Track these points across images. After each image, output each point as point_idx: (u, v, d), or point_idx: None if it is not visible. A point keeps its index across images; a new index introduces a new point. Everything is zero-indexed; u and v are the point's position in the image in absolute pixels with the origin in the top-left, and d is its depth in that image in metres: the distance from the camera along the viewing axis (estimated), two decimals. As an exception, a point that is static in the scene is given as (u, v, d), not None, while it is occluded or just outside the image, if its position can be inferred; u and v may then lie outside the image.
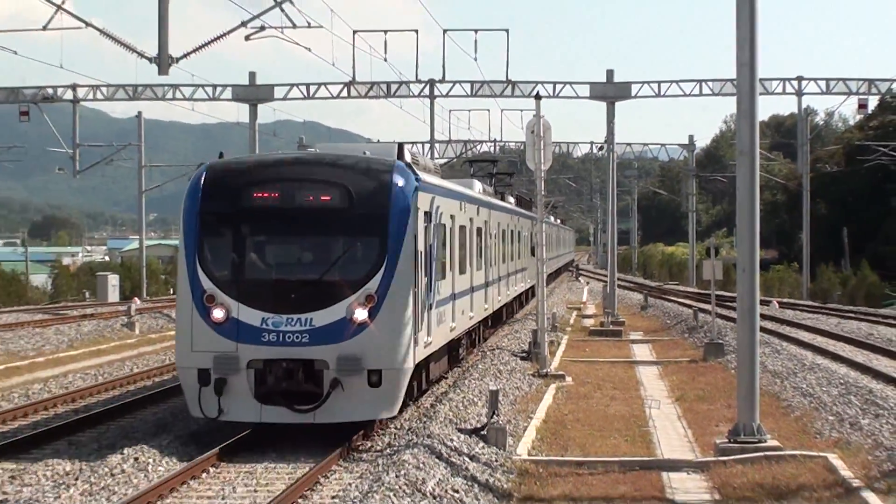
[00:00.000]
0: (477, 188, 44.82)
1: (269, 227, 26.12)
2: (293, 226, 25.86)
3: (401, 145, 27.78)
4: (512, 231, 54.49)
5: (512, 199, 59.60)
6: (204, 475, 22.32)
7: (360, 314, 24.62)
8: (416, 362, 26.33)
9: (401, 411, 26.68)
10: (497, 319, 51.93)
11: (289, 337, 24.63)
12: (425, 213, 27.59)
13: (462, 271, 35.35)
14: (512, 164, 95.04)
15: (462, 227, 35.56)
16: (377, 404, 24.98)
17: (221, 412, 24.79)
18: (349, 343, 24.57)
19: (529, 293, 65.66)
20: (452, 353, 36.10)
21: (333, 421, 24.65)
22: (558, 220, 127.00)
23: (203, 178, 26.06)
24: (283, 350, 24.61)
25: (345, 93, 71.06)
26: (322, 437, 24.82)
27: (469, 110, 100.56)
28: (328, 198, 25.63)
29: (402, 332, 25.14)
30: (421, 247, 26.67)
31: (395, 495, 18.87)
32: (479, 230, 40.58)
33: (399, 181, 25.80)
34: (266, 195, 25.80)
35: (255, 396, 24.73)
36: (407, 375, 25.42)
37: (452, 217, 33.23)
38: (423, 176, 28.06)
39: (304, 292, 24.97)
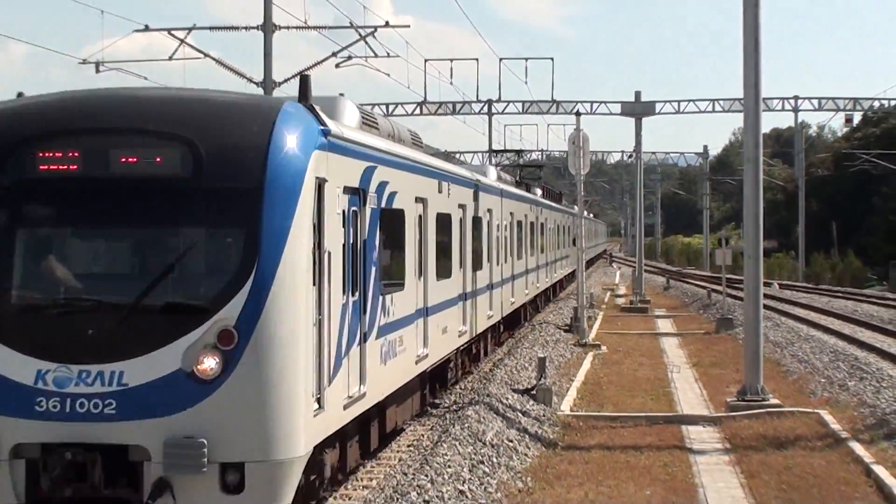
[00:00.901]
0: (492, 175, 33.90)
1: (58, 212, 13.41)
2: (97, 210, 13.22)
3: (304, 77, 14.51)
4: (533, 223, 42.87)
5: (538, 191, 49.73)
6: None
7: (208, 364, 12.34)
8: (324, 438, 14.19)
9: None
10: (514, 322, 39.47)
11: (83, 404, 12.35)
12: (349, 189, 15.35)
13: (444, 274, 23.13)
14: (556, 170, 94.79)
15: (443, 217, 23.04)
16: None
17: None
18: (187, 416, 12.31)
19: (557, 286, 60.67)
20: (435, 380, 24.30)
21: None
22: (591, 215, 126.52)
23: None
24: (73, 428, 12.33)
25: (417, 111, 71.07)
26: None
27: (521, 125, 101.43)
28: (159, 160, 13.02)
29: (284, 391, 12.63)
30: (332, 244, 14.31)
31: (460, 444, 18.85)
32: (476, 220, 27.79)
33: (287, 134, 13.18)
34: (58, 155, 13.11)
35: None
36: (295, 469, 12.94)
37: (422, 201, 20.89)
38: (347, 132, 15.45)
39: (111, 327, 12.52)
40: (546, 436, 21.21)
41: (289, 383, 12.70)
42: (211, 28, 43.92)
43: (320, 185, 13.79)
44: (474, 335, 28.18)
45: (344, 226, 15.12)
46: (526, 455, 19.31)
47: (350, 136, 15.56)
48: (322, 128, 14.01)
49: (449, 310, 23.78)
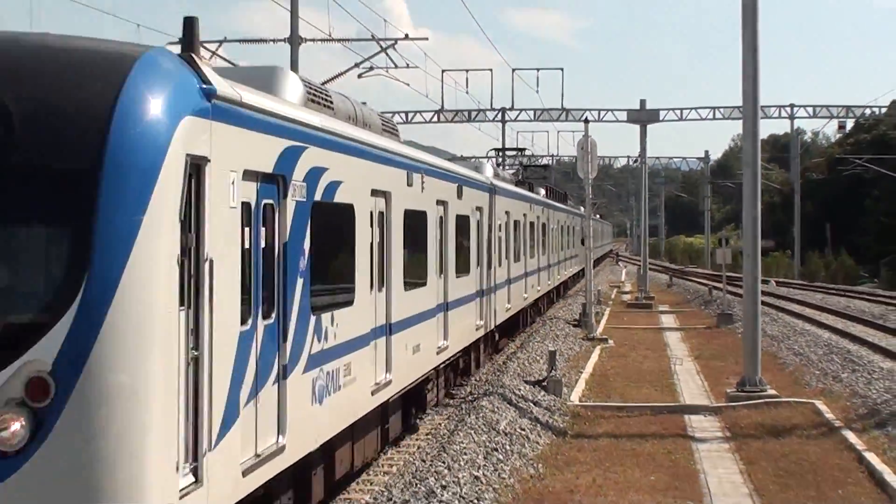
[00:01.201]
0: (488, 171, 30.40)
1: None
2: None
3: (189, 20, 9.93)
4: (533, 223, 38.18)
5: (542, 191, 46.50)
6: None
7: (11, 429, 8.05)
8: None
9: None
10: (512, 327, 35.46)
11: None
12: (257, 175, 10.91)
13: (416, 282, 18.63)
14: (566, 174, 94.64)
15: (414, 214, 18.33)
16: None
17: None
18: None
19: (561, 286, 57.06)
20: (410, 404, 19.67)
21: None
22: (598, 216, 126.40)
23: None
24: None
25: (435, 118, 71.14)
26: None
27: (532, 132, 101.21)
28: None
29: (126, 466, 8.22)
30: (220, 250, 9.80)
31: (475, 433, 18.87)
32: (462, 220, 23.37)
33: (145, 92, 8.77)
34: None
35: None
36: None
37: (383, 195, 16.29)
38: (250, 97, 10.69)
39: None
40: (556, 425, 21.22)
41: (133, 453, 8.29)
42: (241, 41, 44.08)
43: (198, 165, 9.37)
44: (459, 349, 23.65)
45: (247, 224, 10.66)
46: (537, 443, 19.31)
47: (254, 103, 10.74)
48: (204, 86, 9.44)
49: (423, 324, 19.08)
